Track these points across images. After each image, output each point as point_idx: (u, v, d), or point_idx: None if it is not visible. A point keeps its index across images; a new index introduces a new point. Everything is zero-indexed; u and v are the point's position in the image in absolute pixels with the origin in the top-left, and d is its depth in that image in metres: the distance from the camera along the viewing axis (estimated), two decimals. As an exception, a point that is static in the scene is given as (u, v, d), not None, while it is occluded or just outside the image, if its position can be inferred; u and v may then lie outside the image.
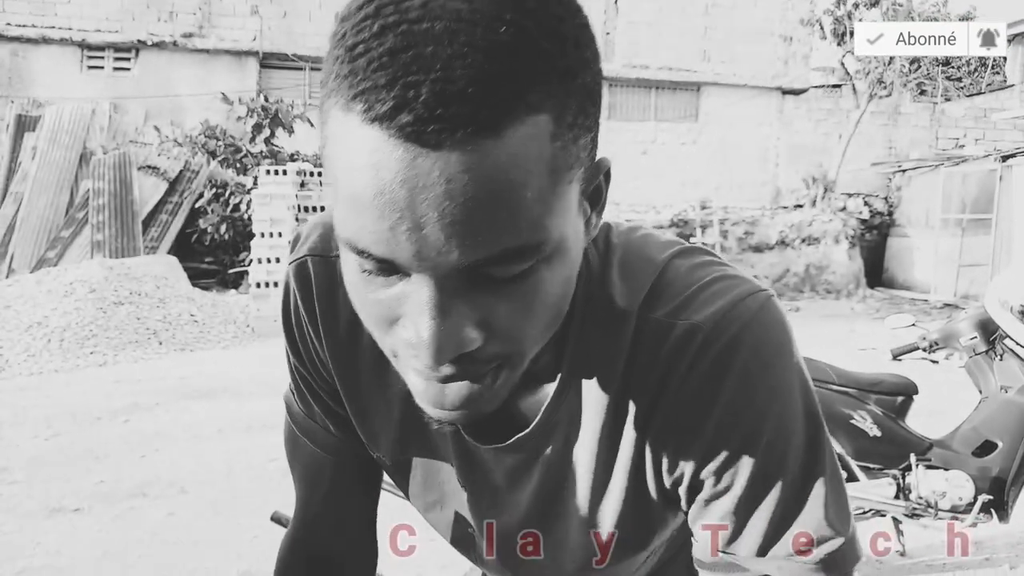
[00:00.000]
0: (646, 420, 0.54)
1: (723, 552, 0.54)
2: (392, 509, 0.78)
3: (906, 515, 2.56)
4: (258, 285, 7.74)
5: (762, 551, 0.53)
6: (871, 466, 2.65)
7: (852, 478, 2.65)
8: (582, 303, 0.54)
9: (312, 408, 0.69)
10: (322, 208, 8.11)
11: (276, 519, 1.61)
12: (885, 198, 13.91)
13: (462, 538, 0.67)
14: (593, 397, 0.55)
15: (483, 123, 0.36)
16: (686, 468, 0.54)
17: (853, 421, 2.63)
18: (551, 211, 0.41)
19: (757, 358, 0.50)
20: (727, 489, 0.53)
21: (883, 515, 2.62)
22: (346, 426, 0.67)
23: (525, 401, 0.57)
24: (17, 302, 6.89)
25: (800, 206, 12.85)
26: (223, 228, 10.08)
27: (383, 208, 0.38)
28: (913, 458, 2.61)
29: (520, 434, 0.57)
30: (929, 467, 2.62)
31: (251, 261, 7.99)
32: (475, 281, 0.41)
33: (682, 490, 0.55)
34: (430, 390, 0.46)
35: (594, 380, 0.55)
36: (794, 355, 0.52)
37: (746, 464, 0.52)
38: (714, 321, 0.50)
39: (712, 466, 0.52)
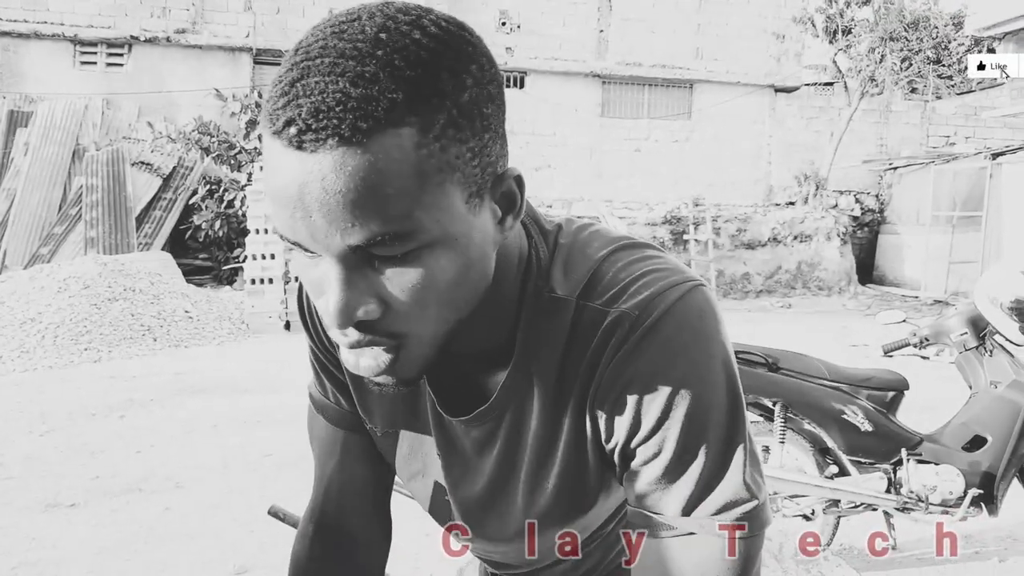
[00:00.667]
0: (583, 395, 0.62)
1: (652, 513, 0.59)
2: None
3: (897, 509, 2.59)
4: (252, 281, 7.73)
5: (687, 511, 0.58)
6: (862, 460, 2.67)
7: (843, 472, 2.68)
8: (532, 294, 0.62)
9: (325, 385, 0.77)
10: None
11: (273, 513, 1.61)
12: (876, 195, 13.99)
13: (439, 507, 0.75)
14: (540, 376, 0.63)
15: (347, 134, 0.46)
16: (620, 438, 0.60)
17: (844, 416, 2.65)
18: (421, 206, 0.49)
19: (678, 338, 0.57)
20: (655, 455, 0.59)
21: (875, 509, 2.64)
22: (353, 403, 0.75)
23: (489, 380, 0.66)
24: (11, 298, 6.87)
25: (792, 203, 12.91)
26: (217, 224, 10.06)
27: (284, 201, 0.48)
28: (904, 453, 2.63)
29: (480, 408, 0.66)
30: (920, 462, 2.64)
31: (245, 258, 7.98)
32: (368, 261, 0.51)
33: (617, 458, 0.62)
34: (348, 357, 0.55)
35: (541, 361, 0.63)
36: (715, 336, 0.59)
37: (672, 433, 0.58)
38: (640, 308, 0.58)
39: (641, 435, 0.59)
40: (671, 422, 0.57)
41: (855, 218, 13.17)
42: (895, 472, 2.65)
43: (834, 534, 2.71)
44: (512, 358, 0.63)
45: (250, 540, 2.92)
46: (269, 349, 6.78)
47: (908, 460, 2.62)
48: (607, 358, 0.59)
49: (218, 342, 7.08)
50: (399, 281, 0.51)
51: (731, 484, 0.58)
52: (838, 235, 11.56)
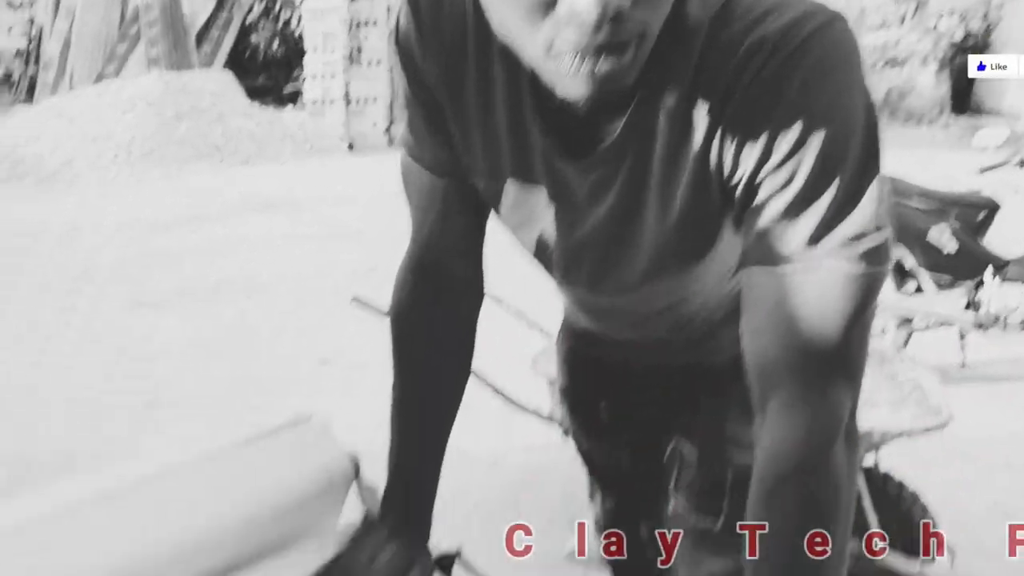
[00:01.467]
0: (713, 126, 0.58)
1: (775, 244, 0.57)
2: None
3: (975, 326, 2.54)
4: (314, 102, 7.66)
5: (814, 240, 0.55)
6: (943, 279, 2.61)
7: (920, 291, 2.62)
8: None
9: (423, 132, 0.72)
10: (375, 22, 7.81)
11: (358, 300, 1.64)
12: (984, 15, 12.59)
13: (542, 254, 0.75)
14: (666, 110, 0.59)
15: None
16: (747, 167, 0.57)
17: (930, 236, 2.56)
18: None
19: (822, 63, 0.54)
20: (786, 184, 0.56)
21: (950, 325, 2.60)
22: (454, 148, 0.72)
23: (608, 120, 0.62)
24: (81, 116, 7.01)
25: (887, 25, 11.79)
26: (275, 44, 9.86)
27: None
28: (989, 271, 2.55)
29: (602, 146, 0.62)
30: (1004, 280, 2.56)
31: (304, 79, 7.86)
32: None
33: (740, 192, 0.59)
34: (584, 66, 0.52)
35: (667, 93, 0.59)
36: (859, 67, 0.56)
37: (807, 160, 0.55)
38: (782, 32, 0.54)
39: (772, 163, 0.56)
40: (807, 149, 0.54)
41: (955, 44, 11.99)
42: (976, 291, 2.58)
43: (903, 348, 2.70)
44: (636, 92, 0.59)
45: (332, 334, 3.06)
46: (332, 169, 6.84)
47: (993, 278, 2.54)
48: (743, 84, 0.56)
49: (282, 162, 7.16)
50: None
51: (862, 215, 0.55)
52: (936, 60, 10.58)
